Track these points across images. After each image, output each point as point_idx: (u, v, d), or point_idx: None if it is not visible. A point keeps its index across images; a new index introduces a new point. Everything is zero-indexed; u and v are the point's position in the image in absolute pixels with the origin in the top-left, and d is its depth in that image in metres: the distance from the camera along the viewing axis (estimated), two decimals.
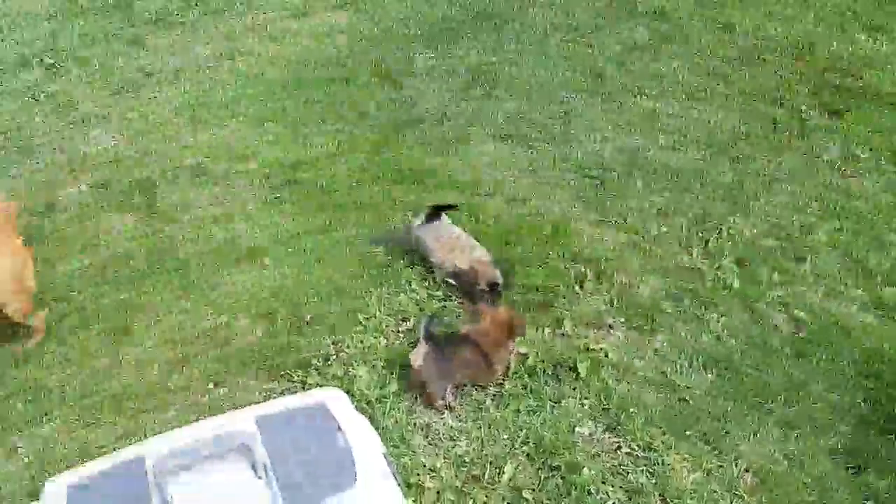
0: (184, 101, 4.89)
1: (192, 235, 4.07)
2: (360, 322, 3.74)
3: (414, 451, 3.24)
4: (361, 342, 3.64)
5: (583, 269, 3.94)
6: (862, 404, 3.42)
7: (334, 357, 3.59)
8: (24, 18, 5.37)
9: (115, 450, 3.15)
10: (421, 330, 3.39)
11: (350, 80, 5.06)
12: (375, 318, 3.77)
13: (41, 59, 5.11)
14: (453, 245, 3.90)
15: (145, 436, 3.25)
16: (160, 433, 3.21)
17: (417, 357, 3.37)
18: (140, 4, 5.50)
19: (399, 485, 2.67)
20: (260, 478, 2.47)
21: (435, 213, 3.98)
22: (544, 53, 5.31)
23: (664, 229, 4.18)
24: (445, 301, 3.85)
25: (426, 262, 3.94)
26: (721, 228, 4.18)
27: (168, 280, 3.85)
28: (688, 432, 3.32)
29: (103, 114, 4.78)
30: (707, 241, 4.11)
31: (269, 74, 5.09)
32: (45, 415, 3.36)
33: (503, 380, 3.46)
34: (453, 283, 3.86)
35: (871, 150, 4.61)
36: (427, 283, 3.93)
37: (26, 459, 3.22)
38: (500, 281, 3.81)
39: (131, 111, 4.81)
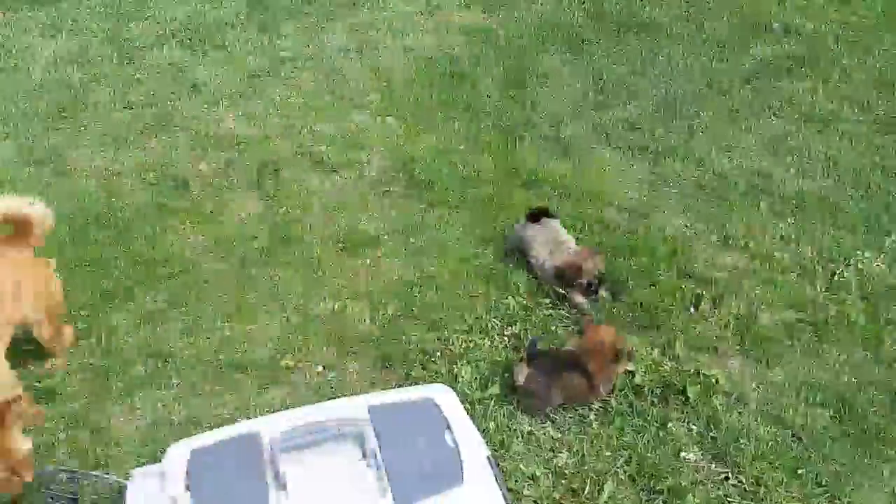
0: (310, 90, 5.02)
1: (310, 220, 4.18)
2: (466, 321, 3.75)
3: (513, 458, 3.22)
4: (466, 341, 3.65)
5: (698, 291, 3.83)
6: None
7: (438, 354, 3.61)
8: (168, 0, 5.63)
9: (227, 421, 3.30)
10: (526, 351, 3.36)
11: (472, 79, 5.08)
12: (482, 318, 3.77)
13: (180, 40, 5.34)
14: (554, 245, 3.86)
15: (255, 411, 3.36)
16: (269, 410, 3.34)
17: (521, 375, 3.35)
18: None
19: (502, 490, 2.66)
20: (369, 466, 2.52)
21: (538, 214, 3.95)
22: (672, 66, 5.19)
23: (787, 257, 4.02)
24: (552, 309, 3.82)
25: (530, 265, 3.92)
26: (849, 262, 3.98)
27: (286, 261, 3.96)
28: (799, 471, 3.19)
29: (234, 96, 4.96)
30: (833, 274, 3.93)
31: (393, 68, 5.16)
32: (163, 381, 3.50)
33: (608, 397, 3.40)
34: (558, 286, 3.82)
35: None
36: (535, 289, 3.90)
37: (143, 421, 3.36)
38: (600, 275, 3.75)
39: (260, 96, 4.97)
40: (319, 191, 4.38)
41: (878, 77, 5.11)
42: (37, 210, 3.33)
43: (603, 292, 3.82)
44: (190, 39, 5.33)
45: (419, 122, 4.80)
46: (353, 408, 2.66)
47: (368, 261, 4.03)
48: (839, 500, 3.12)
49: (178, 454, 2.55)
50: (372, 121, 4.85)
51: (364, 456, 2.53)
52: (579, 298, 3.78)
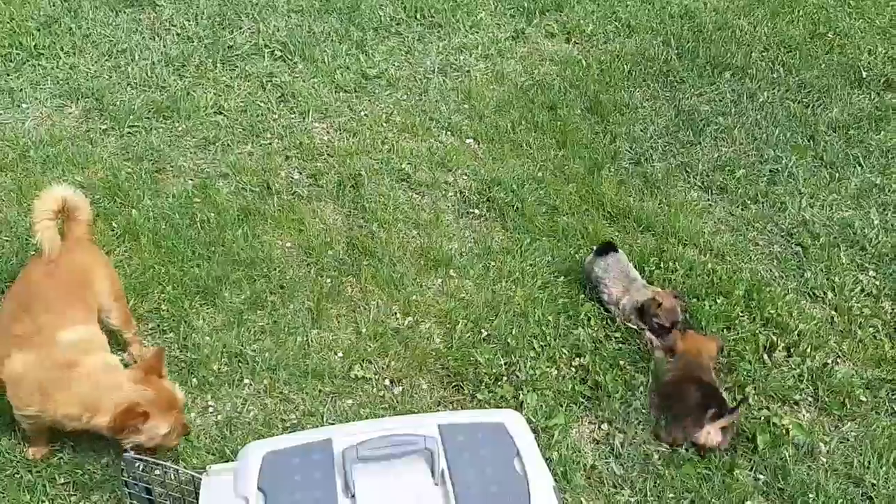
0: (396, 108, 5.13)
1: (390, 236, 4.27)
2: (535, 348, 3.78)
3: (574, 490, 3.24)
4: (534, 368, 3.68)
5: (774, 338, 3.78)
6: None
7: (505, 378, 3.65)
8: (265, 10, 5.83)
9: (296, 425, 3.41)
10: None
11: (556, 108, 5.12)
12: (550, 346, 3.79)
13: (272, 51, 5.53)
14: (627, 282, 3.86)
15: (324, 419, 3.45)
16: (338, 418, 3.44)
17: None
18: (368, 11, 5.82)
19: None
20: (437, 485, 2.56)
21: (607, 247, 3.96)
22: (760, 108, 5.14)
23: (867, 311, 3.94)
24: (623, 344, 3.82)
25: (601, 299, 3.93)
26: None
27: (364, 274, 4.06)
28: None
29: (322, 109, 5.11)
30: None
31: (478, 92, 5.24)
32: (238, 380, 3.63)
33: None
34: (633, 322, 3.82)
35: None
36: (605, 322, 3.91)
37: (216, 418, 3.49)
38: (680, 319, 3.76)
39: (348, 110, 5.10)
40: (402, 207, 4.48)
41: None
42: (82, 198, 3.53)
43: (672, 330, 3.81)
44: (285, 50, 5.51)
45: (505, 147, 4.86)
46: (425, 425, 2.71)
47: (443, 280, 4.10)
48: None
49: (253, 454, 2.64)
50: (459, 142, 4.94)
51: (433, 474, 2.58)
52: (650, 334, 3.78)
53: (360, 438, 2.61)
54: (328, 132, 4.96)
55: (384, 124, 5.01)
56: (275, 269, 4.09)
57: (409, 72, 5.46)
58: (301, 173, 4.67)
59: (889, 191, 4.64)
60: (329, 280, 4.06)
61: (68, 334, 3.20)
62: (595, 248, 4.03)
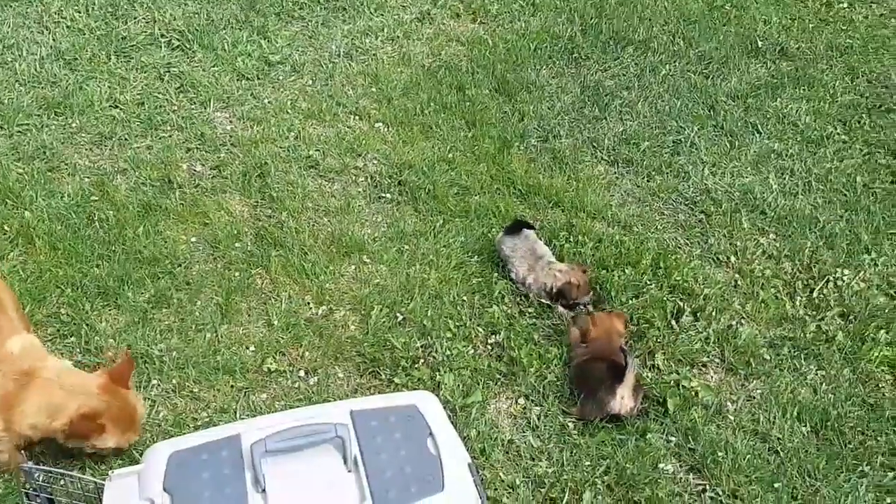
0: (302, 94, 5.03)
1: (299, 224, 4.19)
2: (451, 329, 3.77)
3: (493, 466, 3.25)
4: (450, 349, 3.68)
5: (681, 304, 3.88)
6: None
7: (422, 360, 3.64)
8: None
9: (208, 423, 3.32)
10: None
11: (465, 88, 5.11)
12: (466, 326, 3.80)
13: (169, 40, 5.34)
14: (533, 260, 3.90)
15: (237, 414, 3.37)
16: (252, 413, 3.36)
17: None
18: None
19: (482, 497, 2.69)
20: (350, 471, 2.53)
21: (517, 225, 3.99)
22: (663, 81, 5.24)
23: (769, 273, 4.07)
24: (536, 319, 3.85)
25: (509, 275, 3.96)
26: (828, 278, 4.04)
27: (274, 265, 3.97)
28: (776, 485, 3.23)
29: (224, 98, 4.96)
30: (812, 290, 3.98)
31: (385, 75, 5.19)
32: (145, 382, 3.51)
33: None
34: (548, 301, 3.86)
35: None
36: (519, 299, 3.94)
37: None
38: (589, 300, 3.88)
39: (251, 98, 4.97)
40: (311, 194, 4.40)
41: (864, 99, 5.17)
42: None
43: (586, 305, 3.87)
44: (182, 39, 5.33)
45: (415, 130, 4.82)
46: (336, 413, 2.68)
47: (357, 266, 4.05)
48: None
49: (157, 455, 2.56)
50: (368, 127, 4.87)
51: (345, 461, 2.55)
52: (563, 309, 3.82)
53: (270, 431, 2.57)
54: (231, 122, 4.83)
55: (289, 111, 4.90)
56: (180, 266, 3.96)
57: (314, 57, 5.36)
58: (204, 165, 4.53)
59: (786, 156, 4.80)
60: (237, 273, 3.95)
61: (13, 343, 3.07)
62: (505, 226, 4.05)
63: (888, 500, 3.20)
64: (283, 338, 3.68)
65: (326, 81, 5.16)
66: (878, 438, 3.41)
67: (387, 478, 2.51)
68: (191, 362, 3.57)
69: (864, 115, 5.08)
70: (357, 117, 4.92)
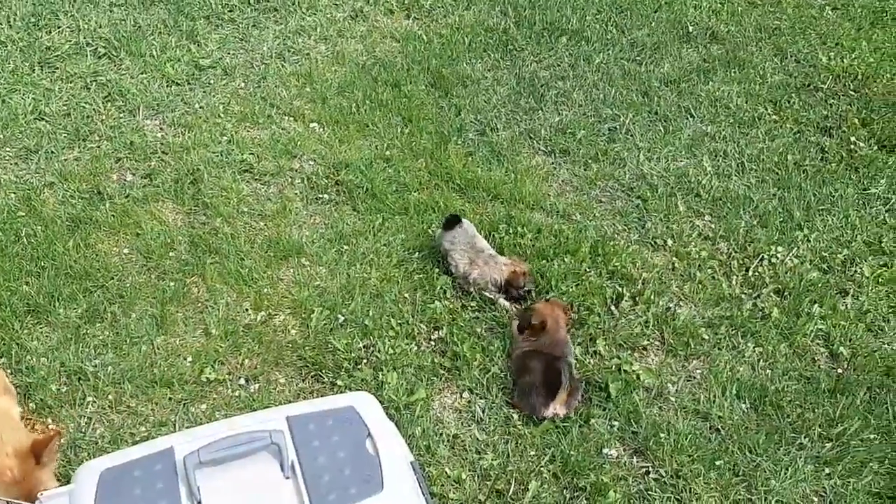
0: (234, 97, 4.95)
1: (235, 230, 4.13)
2: (393, 327, 3.75)
3: (439, 462, 3.25)
4: (393, 347, 3.66)
5: (620, 289, 3.91)
6: None
7: (365, 361, 3.61)
8: (84, 6, 5.49)
9: (146, 438, 3.24)
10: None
11: (400, 85, 5.08)
12: (409, 323, 3.78)
13: (95, 48, 5.21)
14: (473, 253, 3.90)
15: (176, 427, 3.31)
16: (192, 425, 3.29)
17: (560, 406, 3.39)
18: None
19: (425, 495, 2.68)
20: (288, 478, 2.50)
21: (453, 220, 3.98)
22: (597, 69, 5.27)
23: (705, 254, 4.13)
24: (479, 312, 3.85)
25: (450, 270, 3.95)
26: (763, 256, 4.12)
27: (210, 272, 3.90)
28: (718, 462, 3.28)
29: (153, 104, 4.86)
30: (748, 269, 4.06)
31: (319, 75, 5.13)
32: (80, 399, 3.42)
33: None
34: (490, 295, 3.86)
35: None
36: (460, 293, 3.93)
37: (58, 442, 3.26)
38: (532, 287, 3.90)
39: (182, 103, 4.88)
40: (246, 199, 4.33)
41: (793, 79, 5.28)
42: None
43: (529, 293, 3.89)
44: (109, 47, 5.21)
45: (351, 129, 4.78)
46: (271, 419, 2.64)
47: (295, 269, 4.00)
48: (756, 489, 3.22)
49: (88, 474, 2.49)
50: (303, 127, 4.82)
51: (282, 468, 2.51)
52: (504, 301, 3.83)
53: (203, 442, 2.51)
54: (161, 128, 4.73)
55: (221, 115, 4.82)
56: (112, 279, 3.87)
57: (246, 59, 5.28)
58: (134, 174, 4.43)
59: (719, 138, 4.88)
60: (172, 283, 3.88)
61: None
62: (443, 221, 4.04)
63: (826, 470, 3.27)
64: (221, 346, 3.62)
65: (259, 83, 5.09)
66: (816, 410, 3.48)
67: (325, 481, 2.48)
68: (127, 377, 3.49)
69: (793, 95, 5.18)
70: (291, 118, 4.86)
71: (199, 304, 3.81)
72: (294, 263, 4.02)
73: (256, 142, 4.67)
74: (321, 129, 4.81)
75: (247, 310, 3.79)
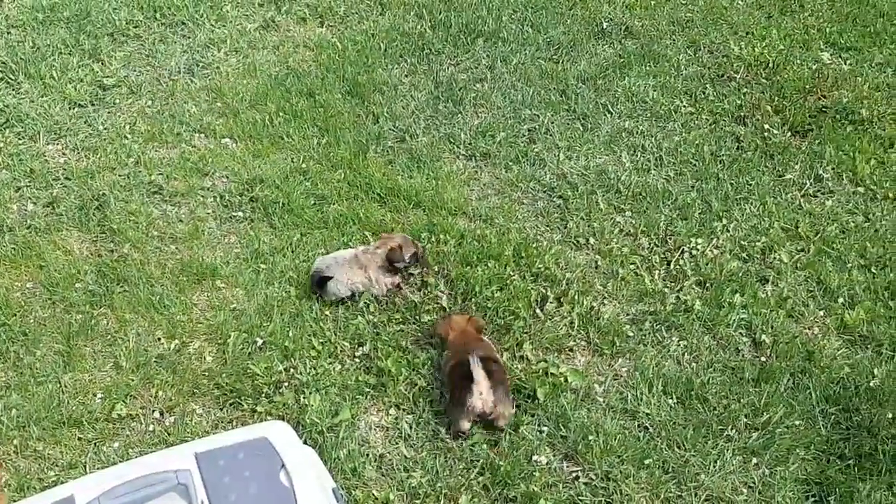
0: (140, 116, 4.78)
1: (145, 255, 3.97)
2: (315, 346, 3.65)
3: (366, 484, 3.16)
4: (315, 368, 3.55)
5: (545, 291, 3.88)
6: (824, 430, 3.39)
7: (286, 384, 3.50)
8: None
9: (55, 482, 3.08)
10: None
11: (315, 94, 4.97)
12: (331, 342, 3.68)
13: None
14: (350, 271, 3.82)
15: (87, 469, 3.15)
16: (104, 466, 3.14)
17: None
18: (99, 16, 5.37)
19: None
20: None
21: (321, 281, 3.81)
22: (514, 70, 5.24)
23: (627, 250, 4.13)
24: (403, 324, 3.77)
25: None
26: (684, 249, 4.13)
27: (119, 302, 3.74)
28: (647, 461, 3.27)
29: (55, 129, 4.66)
30: (669, 263, 4.07)
31: (230, 89, 4.98)
32: None
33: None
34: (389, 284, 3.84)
35: (833, 169, 4.60)
36: (385, 306, 3.85)
37: None
38: (419, 251, 3.92)
39: (85, 126, 4.68)
40: (155, 222, 4.17)
41: (706, 70, 5.33)
42: None
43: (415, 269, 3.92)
44: (6, 70, 4.97)
45: (265, 142, 4.65)
46: (179, 458, 2.52)
47: (210, 293, 3.86)
48: (686, 485, 3.21)
49: None
50: (214, 144, 4.67)
51: None
52: (389, 279, 3.81)
53: (105, 488, 2.38)
54: (64, 153, 4.53)
55: (128, 136, 4.64)
56: (14, 315, 3.68)
57: (153, 76, 5.10)
58: (36, 203, 4.22)
59: (637, 133, 4.89)
60: (79, 316, 3.70)
61: None
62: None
63: (754, 460, 3.29)
64: (133, 379, 3.47)
65: (167, 100, 4.92)
66: (741, 400, 3.50)
67: None
68: (32, 419, 3.31)
69: (707, 86, 5.23)
70: (202, 135, 4.70)
71: (109, 337, 3.64)
72: (208, 286, 3.88)
73: (165, 161, 4.51)
74: (234, 145, 4.67)
75: (159, 339, 3.64)
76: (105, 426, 3.31)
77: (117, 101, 4.89)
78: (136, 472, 2.42)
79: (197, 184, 4.39)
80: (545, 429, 3.36)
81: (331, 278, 3.75)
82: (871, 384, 3.52)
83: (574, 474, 3.22)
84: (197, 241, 4.08)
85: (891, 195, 4.44)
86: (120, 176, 4.38)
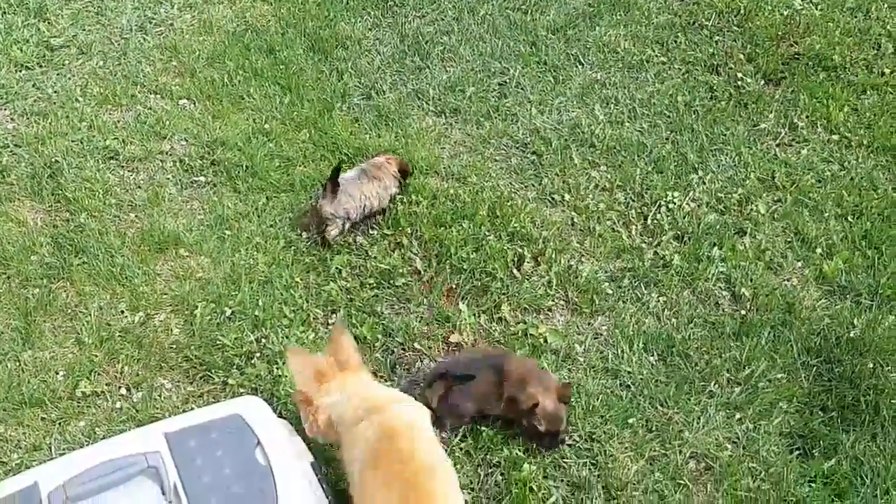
0: (92, 78, 4.52)
1: (103, 224, 3.78)
2: (287, 315, 3.52)
3: None
4: (287, 337, 3.43)
5: (521, 251, 3.78)
6: (806, 383, 3.37)
7: (258, 355, 3.37)
8: None
9: (19, 466, 2.94)
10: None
11: (276, 51, 4.75)
12: (303, 310, 3.55)
13: None
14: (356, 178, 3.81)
15: (52, 449, 3.01)
16: (70, 446, 3.00)
17: (433, 398, 3.08)
18: None
19: (327, 495, 2.51)
20: (170, 502, 2.27)
21: (334, 182, 3.70)
22: (482, 21, 5.06)
23: (603, 206, 4.04)
24: (377, 289, 3.66)
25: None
26: (660, 203, 4.06)
27: (78, 274, 3.56)
28: (630, 420, 3.22)
29: (1, 94, 4.39)
30: (646, 217, 3.99)
31: (185, 47, 4.74)
32: None
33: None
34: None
35: (808, 117, 4.54)
36: (358, 271, 3.73)
37: None
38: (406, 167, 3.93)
39: (34, 89, 4.42)
40: (113, 189, 3.97)
41: (678, 18, 5.20)
42: None
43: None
44: None
45: (225, 103, 4.44)
46: (147, 439, 2.40)
47: (174, 262, 3.70)
48: (670, 443, 3.18)
49: None
50: (171, 105, 4.45)
51: (163, 492, 2.28)
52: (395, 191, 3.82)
53: (70, 474, 2.26)
54: (12, 119, 4.28)
55: (79, 99, 4.40)
56: None
57: (103, 35, 4.83)
58: None
59: (609, 84, 4.76)
60: (36, 290, 3.52)
61: None
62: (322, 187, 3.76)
63: (737, 415, 3.26)
64: (96, 355, 3.31)
65: (119, 60, 4.66)
66: (723, 355, 3.46)
67: (212, 501, 2.26)
68: None
69: (679, 34, 5.10)
70: (158, 96, 4.48)
71: (69, 311, 3.47)
72: (172, 255, 3.71)
73: (120, 125, 4.28)
74: (192, 106, 4.45)
75: (122, 312, 3.48)
76: (69, 405, 3.16)
77: (66, 62, 4.62)
78: (102, 456, 2.30)
79: (155, 148, 4.18)
80: None
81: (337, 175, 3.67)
82: (852, 335, 3.50)
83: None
84: (157, 207, 3.89)
85: (865, 142, 4.40)
86: (73, 141, 4.15)
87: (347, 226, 3.76)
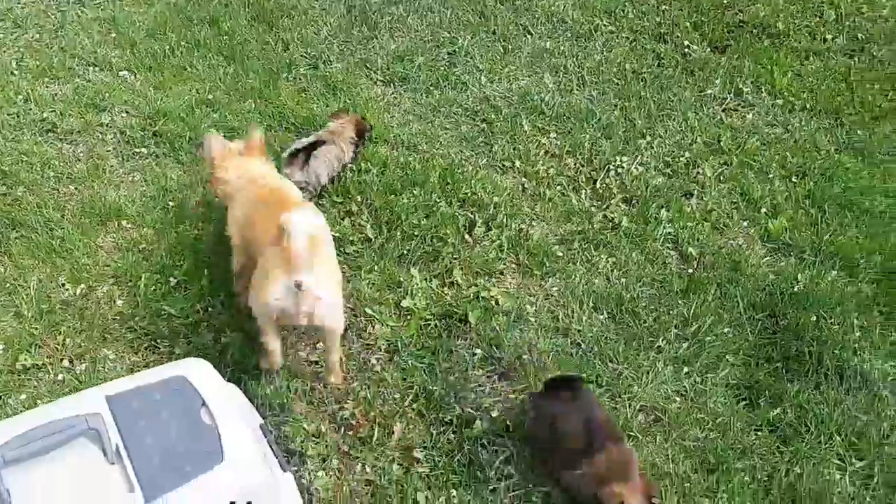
0: (28, 51, 4.39)
1: (41, 198, 3.67)
2: (232, 284, 3.45)
3: (296, 418, 3.03)
4: (234, 307, 3.37)
5: (472, 216, 3.77)
6: (752, 336, 3.43)
7: (205, 324, 3.31)
8: None
9: None
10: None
11: (219, 21, 4.66)
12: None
13: None
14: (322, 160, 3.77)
15: None
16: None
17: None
18: None
19: (276, 455, 2.47)
20: (112, 463, 2.21)
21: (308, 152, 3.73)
22: None
23: (553, 171, 4.05)
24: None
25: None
26: (609, 168, 4.08)
27: (16, 248, 3.45)
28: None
29: None
30: (595, 182, 4.01)
31: (125, 18, 4.62)
32: None
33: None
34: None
35: (753, 83, 4.60)
36: None
37: None
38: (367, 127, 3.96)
39: None
40: (51, 162, 3.86)
41: None
42: None
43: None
44: None
45: (166, 74, 4.34)
46: (88, 402, 2.33)
47: (116, 234, 3.61)
48: (620, 397, 3.21)
49: None
50: (111, 77, 4.34)
51: (105, 454, 2.22)
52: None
53: (7, 438, 2.18)
54: None
55: (14, 72, 4.27)
56: None
57: (39, 7, 4.70)
58: None
59: (558, 53, 4.77)
60: None
61: None
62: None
63: (685, 369, 3.30)
64: (36, 328, 3.22)
65: (56, 33, 4.53)
66: (671, 312, 3.50)
67: (156, 463, 2.21)
68: None
69: (627, 4, 5.14)
70: (97, 68, 4.36)
71: (7, 285, 3.37)
72: (114, 227, 3.62)
73: (58, 98, 4.16)
74: (132, 78, 4.34)
75: (63, 285, 3.38)
76: (9, 378, 3.07)
77: (1, 35, 4.46)
78: (41, 420, 2.23)
79: (94, 120, 4.07)
80: (479, 352, 3.28)
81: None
82: (796, 289, 3.57)
83: (510, 394, 3.17)
84: (98, 180, 3.79)
85: (808, 106, 4.49)
86: (8, 115, 4.02)
87: (318, 192, 3.72)
